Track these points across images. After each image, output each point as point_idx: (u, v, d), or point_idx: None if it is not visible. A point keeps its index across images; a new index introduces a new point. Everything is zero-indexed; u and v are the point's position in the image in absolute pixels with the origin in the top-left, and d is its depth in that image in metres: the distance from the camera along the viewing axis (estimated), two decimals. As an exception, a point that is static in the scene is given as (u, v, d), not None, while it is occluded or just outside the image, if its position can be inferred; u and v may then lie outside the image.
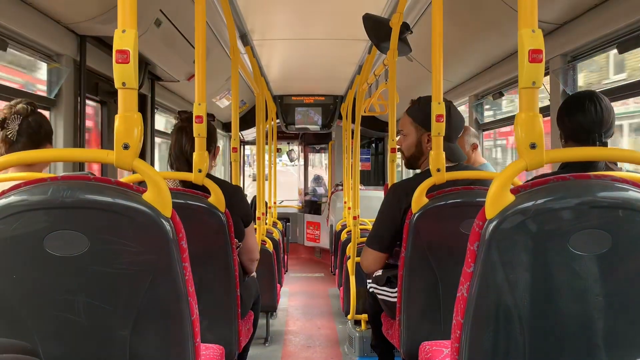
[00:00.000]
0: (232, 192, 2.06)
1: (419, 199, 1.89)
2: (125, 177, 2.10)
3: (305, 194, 9.50)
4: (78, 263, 1.20)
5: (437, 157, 1.93)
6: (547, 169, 2.42)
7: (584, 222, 1.12)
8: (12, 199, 1.20)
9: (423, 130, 2.15)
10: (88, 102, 3.07)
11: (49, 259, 1.19)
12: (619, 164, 1.84)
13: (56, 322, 1.23)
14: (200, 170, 1.96)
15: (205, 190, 1.95)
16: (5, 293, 1.22)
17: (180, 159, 2.15)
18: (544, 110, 2.76)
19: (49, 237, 1.19)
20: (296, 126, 7.47)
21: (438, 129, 1.92)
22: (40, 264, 1.20)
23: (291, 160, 10.89)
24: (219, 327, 2.00)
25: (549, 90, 2.84)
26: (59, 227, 1.19)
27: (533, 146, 1.16)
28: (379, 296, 2.31)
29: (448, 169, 2.01)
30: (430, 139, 2.04)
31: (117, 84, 1.21)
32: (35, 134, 1.92)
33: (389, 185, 2.54)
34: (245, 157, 10.14)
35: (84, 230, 1.19)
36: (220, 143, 7.91)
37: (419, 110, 2.16)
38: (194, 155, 1.98)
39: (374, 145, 9.10)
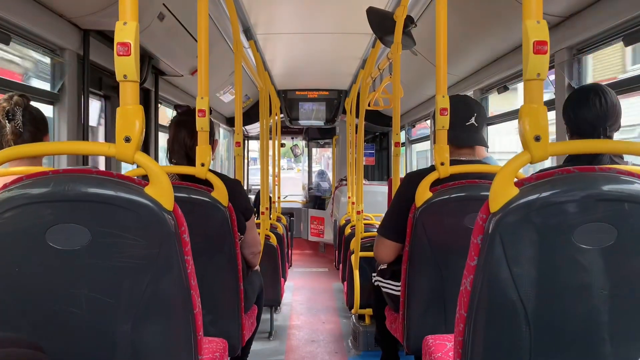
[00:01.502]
0: (232, 186, 2.06)
1: (422, 193, 1.88)
2: (128, 171, 2.10)
3: (309, 188, 9.49)
4: (80, 256, 1.20)
5: (440, 150, 1.92)
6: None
7: (589, 215, 1.11)
8: (15, 192, 1.20)
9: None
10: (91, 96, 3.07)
11: (50, 252, 1.19)
12: (625, 157, 1.82)
13: (58, 316, 1.23)
14: (203, 164, 1.96)
15: (205, 184, 1.95)
16: (7, 286, 1.22)
17: (180, 152, 2.14)
18: (549, 104, 2.74)
19: (51, 231, 1.19)
20: (300, 121, 7.45)
21: (442, 122, 1.90)
22: (42, 257, 1.20)
23: (295, 155, 10.88)
24: (223, 321, 2.01)
25: (553, 84, 2.82)
26: (61, 220, 1.19)
27: (537, 138, 1.15)
28: (384, 289, 2.31)
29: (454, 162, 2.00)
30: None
31: (118, 77, 1.21)
32: (39, 123, 1.93)
33: (391, 179, 2.54)
34: (252, 161, 10.11)
35: (86, 224, 1.19)
36: (224, 137, 7.91)
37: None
38: (197, 149, 1.97)
39: (378, 140, 9.08)
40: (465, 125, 2.04)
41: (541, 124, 1.15)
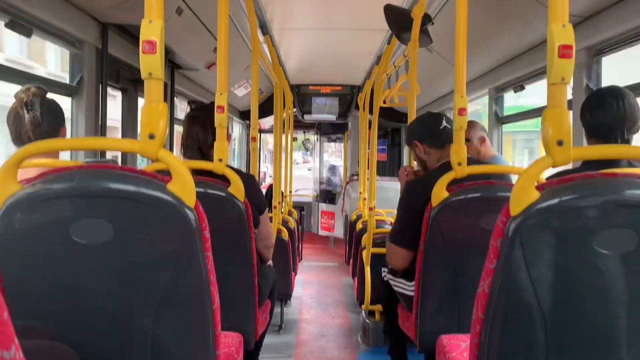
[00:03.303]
0: (247, 181, 2.07)
1: (439, 193, 1.88)
2: (145, 166, 2.12)
3: (321, 183, 9.50)
4: (103, 251, 1.22)
5: (458, 151, 1.92)
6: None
7: (610, 220, 1.11)
8: (39, 187, 1.22)
9: (411, 146, 2.34)
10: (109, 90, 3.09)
11: (74, 247, 1.21)
12: None
13: (80, 309, 1.25)
14: (220, 160, 1.97)
15: (221, 178, 1.97)
16: (31, 280, 1.25)
17: (193, 147, 2.16)
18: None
19: (75, 225, 1.21)
20: (313, 115, 7.45)
21: (460, 122, 1.90)
22: (66, 252, 1.22)
23: (307, 149, 10.88)
24: (238, 316, 2.02)
25: (571, 84, 2.80)
26: (85, 216, 1.21)
27: (560, 143, 1.15)
28: (395, 288, 2.31)
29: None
30: (418, 145, 2.27)
31: (143, 75, 1.22)
32: (57, 114, 1.95)
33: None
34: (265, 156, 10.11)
35: (109, 219, 1.21)
36: (237, 130, 7.93)
37: (405, 135, 2.35)
38: (215, 144, 1.99)
39: (390, 136, 9.06)
40: (440, 129, 2.22)
41: (564, 129, 1.15)
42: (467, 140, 2.43)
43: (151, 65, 1.21)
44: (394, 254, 2.19)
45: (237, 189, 1.93)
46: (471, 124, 3.15)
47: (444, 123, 2.23)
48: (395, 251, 2.17)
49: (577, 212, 1.11)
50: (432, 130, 2.24)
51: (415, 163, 2.47)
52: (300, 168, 18.69)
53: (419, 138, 2.27)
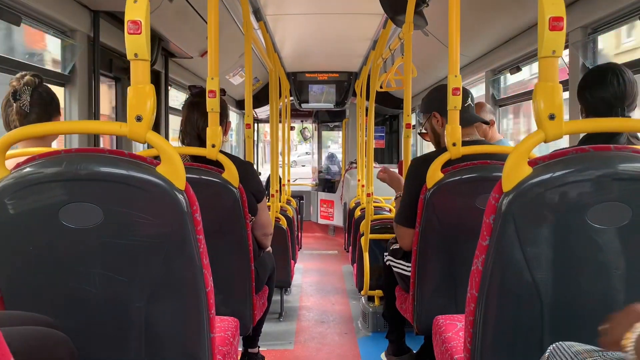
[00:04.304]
0: (244, 168, 2.06)
1: (433, 174, 1.87)
2: (140, 151, 2.11)
3: (319, 171, 9.49)
4: (93, 235, 1.21)
5: (453, 131, 1.90)
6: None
7: (603, 194, 1.10)
8: (27, 171, 1.21)
9: (428, 114, 2.24)
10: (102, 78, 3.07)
11: (64, 231, 1.20)
12: None
13: (72, 294, 1.25)
14: (213, 146, 1.96)
15: (217, 165, 1.95)
16: (23, 265, 1.24)
17: (192, 134, 2.14)
18: (563, 85, 2.70)
19: (64, 210, 1.20)
20: (310, 104, 7.41)
21: (454, 102, 1.89)
22: (56, 236, 1.21)
23: (305, 138, 10.85)
24: (234, 301, 2.02)
25: (567, 64, 2.78)
26: (74, 199, 1.20)
27: (552, 117, 1.14)
28: (395, 269, 2.32)
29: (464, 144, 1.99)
30: (436, 116, 2.18)
31: (129, 55, 1.20)
32: (47, 104, 1.93)
33: (402, 162, 2.53)
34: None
35: (99, 202, 1.20)
36: (234, 121, 7.91)
37: (423, 101, 2.30)
38: (207, 130, 1.97)
39: (388, 122, 9.03)
40: (464, 106, 2.06)
41: (556, 103, 1.14)
42: (485, 122, 2.40)
43: (137, 45, 1.19)
44: (400, 234, 2.19)
45: (231, 175, 1.92)
46: (480, 106, 3.12)
47: (469, 101, 2.14)
48: (401, 231, 2.16)
49: (569, 186, 1.11)
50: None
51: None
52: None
53: (439, 109, 2.16)
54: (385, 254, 2.56)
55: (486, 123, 2.51)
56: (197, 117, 2.13)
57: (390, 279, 2.52)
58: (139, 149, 3.49)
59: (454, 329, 1.70)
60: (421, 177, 1.99)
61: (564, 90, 2.54)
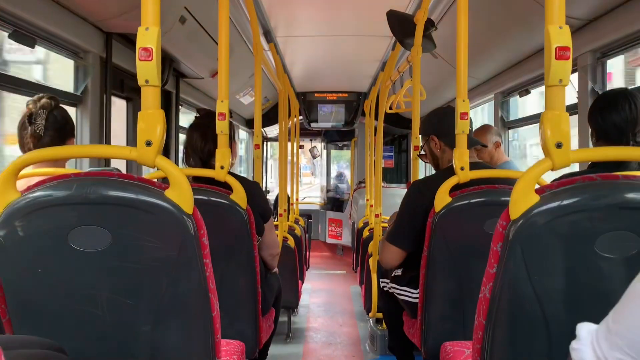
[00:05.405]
0: (251, 188, 2.07)
1: (442, 198, 1.86)
2: (148, 173, 2.12)
3: (328, 190, 9.49)
4: (101, 258, 1.22)
5: (461, 155, 1.90)
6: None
7: (611, 223, 1.09)
8: (38, 194, 1.22)
9: (426, 137, 2.26)
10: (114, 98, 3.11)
11: (72, 254, 1.21)
12: None
13: (79, 317, 1.25)
14: (222, 167, 1.97)
15: (224, 186, 1.96)
16: (30, 288, 1.25)
17: (194, 156, 2.17)
18: (572, 109, 2.70)
19: (73, 233, 1.21)
20: (319, 123, 7.45)
21: (462, 127, 1.89)
22: (64, 259, 1.22)
23: (314, 157, 10.87)
24: (240, 323, 2.01)
25: (576, 87, 2.78)
26: (83, 223, 1.21)
27: (559, 145, 1.14)
28: (400, 296, 2.29)
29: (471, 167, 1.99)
30: (434, 140, 2.21)
31: (140, 82, 1.22)
32: (62, 128, 1.96)
33: (410, 182, 2.53)
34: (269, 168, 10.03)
35: (107, 226, 1.21)
36: (244, 140, 7.95)
37: (421, 124, 2.33)
38: (217, 152, 1.99)
39: (397, 142, 9.05)
40: None
41: (563, 131, 1.14)
42: (483, 145, 2.41)
43: (148, 72, 1.21)
44: (385, 251, 2.19)
45: (239, 196, 1.93)
46: (487, 129, 3.14)
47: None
48: (388, 248, 2.16)
49: (577, 215, 1.10)
50: (454, 128, 1.98)
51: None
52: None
53: (437, 133, 2.19)
54: (386, 280, 2.51)
55: (484, 146, 2.53)
56: (196, 138, 2.16)
57: (391, 306, 2.49)
58: (150, 169, 3.51)
59: (462, 356, 1.68)
60: (422, 200, 1.99)
61: (572, 114, 2.54)
